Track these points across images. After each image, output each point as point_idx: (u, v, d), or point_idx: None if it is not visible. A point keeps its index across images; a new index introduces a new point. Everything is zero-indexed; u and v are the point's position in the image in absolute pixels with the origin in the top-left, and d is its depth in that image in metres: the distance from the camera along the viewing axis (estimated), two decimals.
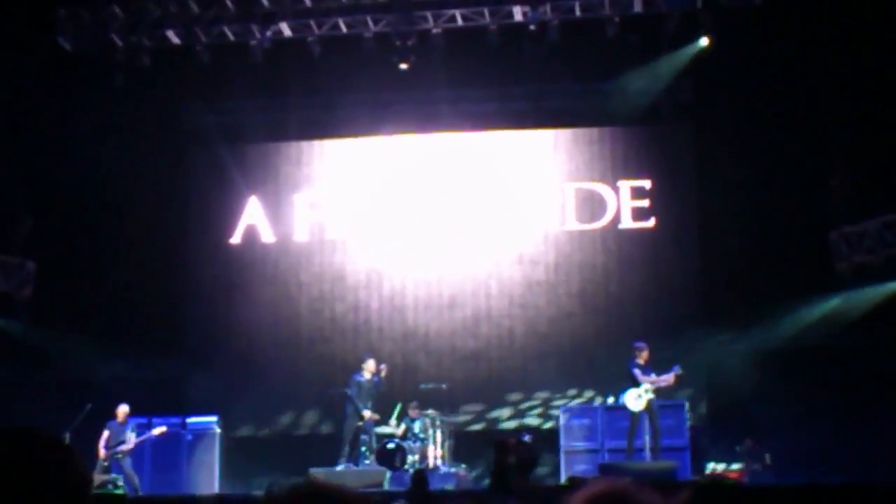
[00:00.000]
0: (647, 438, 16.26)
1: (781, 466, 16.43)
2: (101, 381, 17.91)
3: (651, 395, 15.99)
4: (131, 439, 16.37)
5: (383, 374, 17.22)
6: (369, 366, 17.23)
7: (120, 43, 18.29)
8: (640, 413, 16.03)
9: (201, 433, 17.41)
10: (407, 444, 16.71)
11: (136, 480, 16.21)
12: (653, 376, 16.00)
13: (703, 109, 19.03)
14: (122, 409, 16.62)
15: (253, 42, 18.19)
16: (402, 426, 17.22)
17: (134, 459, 16.64)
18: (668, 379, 15.97)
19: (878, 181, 17.10)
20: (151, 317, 18.74)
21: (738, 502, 2.39)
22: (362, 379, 17.11)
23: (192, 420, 17.53)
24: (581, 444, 17.04)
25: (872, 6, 16.70)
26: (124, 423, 16.55)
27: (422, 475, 12.53)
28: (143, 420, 17.17)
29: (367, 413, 16.91)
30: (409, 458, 16.52)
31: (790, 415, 16.56)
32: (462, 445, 17.49)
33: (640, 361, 16.11)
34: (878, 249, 17.24)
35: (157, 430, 16.68)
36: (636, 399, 16.02)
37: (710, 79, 18.38)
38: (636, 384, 15.94)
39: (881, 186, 17.08)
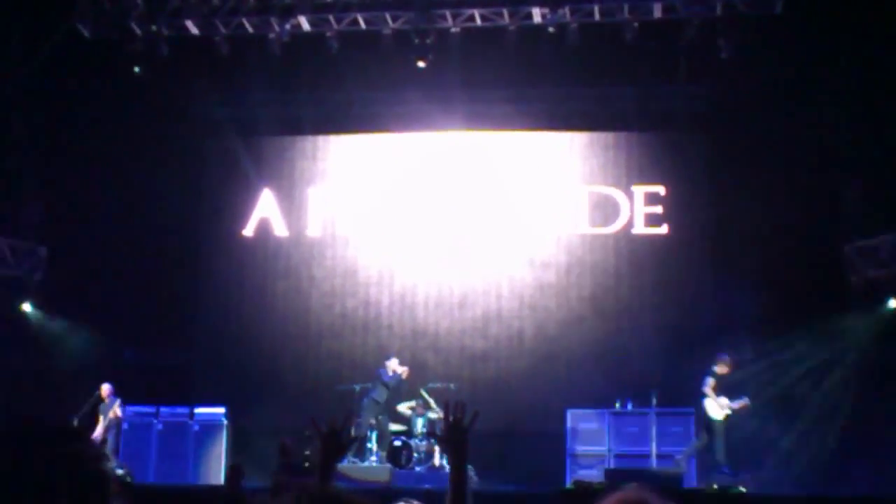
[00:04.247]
0: (653, 445, 16.26)
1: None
2: (109, 369, 17.95)
3: (728, 411, 15.98)
4: (115, 413, 16.65)
5: (404, 375, 17.35)
6: (392, 364, 17.37)
7: (138, 31, 18.32)
8: (719, 423, 15.97)
9: (209, 424, 17.42)
10: (413, 442, 16.71)
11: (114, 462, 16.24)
12: (723, 398, 16.00)
13: (718, 118, 18.96)
14: (104, 388, 16.85)
15: (271, 35, 18.22)
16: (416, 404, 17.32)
17: (141, 449, 16.78)
18: (740, 405, 16.01)
19: (893, 195, 17.01)
20: (162, 306, 18.74)
21: None
22: (387, 377, 17.28)
23: (199, 411, 17.54)
24: (587, 448, 17.00)
25: (892, 18, 16.62)
26: (107, 402, 16.83)
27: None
28: (150, 409, 17.27)
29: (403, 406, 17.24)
30: (416, 456, 16.54)
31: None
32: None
33: (719, 371, 16.08)
34: (891, 264, 17.18)
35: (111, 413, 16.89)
36: (720, 409, 15.97)
37: (726, 87, 18.33)
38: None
39: None
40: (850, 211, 17.62)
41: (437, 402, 17.25)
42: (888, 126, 16.95)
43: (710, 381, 16.09)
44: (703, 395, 16.08)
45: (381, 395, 17.25)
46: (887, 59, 16.75)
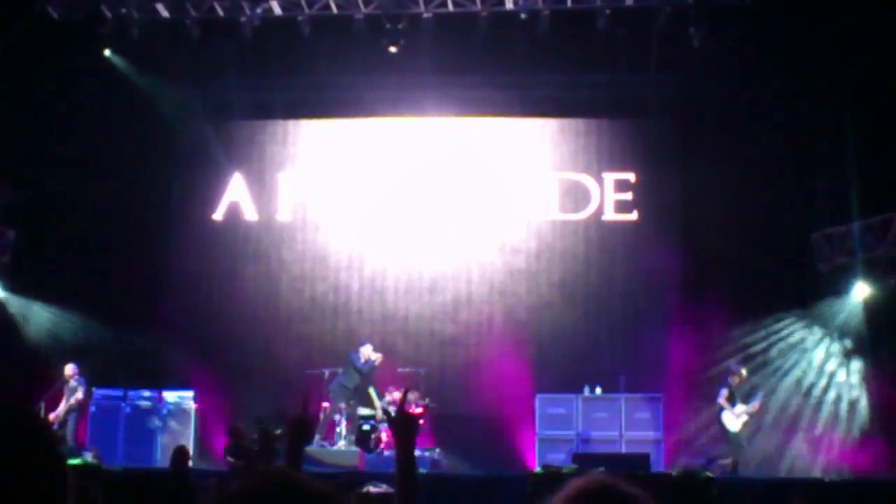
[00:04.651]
0: (622, 430, 16.37)
1: None
2: (78, 352, 17.87)
3: (746, 418, 16.06)
4: (77, 397, 16.59)
5: (377, 362, 17.26)
6: (366, 351, 17.30)
7: (108, 14, 18.20)
8: (736, 434, 16.02)
9: (177, 407, 17.40)
10: (382, 427, 16.73)
11: (69, 444, 16.14)
12: (739, 404, 16.06)
13: (689, 106, 19.04)
14: (68, 368, 16.79)
15: (242, 19, 18.14)
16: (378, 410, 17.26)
17: (108, 432, 16.70)
18: (755, 406, 16.10)
19: (862, 183, 17.14)
20: (131, 289, 18.63)
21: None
22: (360, 364, 17.20)
23: (167, 394, 17.49)
24: (556, 433, 17.09)
25: (860, 8, 16.72)
26: (72, 383, 16.73)
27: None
28: (118, 392, 17.21)
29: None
30: (384, 440, 16.56)
31: None
32: (437, 429, 17.49)
33: (732, 382, 16.16)
34: (858, 252, 17.33)
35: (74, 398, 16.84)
36: (735, 419, 16.02)
37: (696, 74, 18.41)
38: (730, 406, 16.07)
39: (865, 189, 17.13)
40: (818, 199, 17.74)
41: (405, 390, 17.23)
42: (857, 116, 17.05)
43: (724, 392, 16.15)
44: (720, 409, 16.14)
45: (351, 380, 17.20)
46: (858, 50, 16.84)
